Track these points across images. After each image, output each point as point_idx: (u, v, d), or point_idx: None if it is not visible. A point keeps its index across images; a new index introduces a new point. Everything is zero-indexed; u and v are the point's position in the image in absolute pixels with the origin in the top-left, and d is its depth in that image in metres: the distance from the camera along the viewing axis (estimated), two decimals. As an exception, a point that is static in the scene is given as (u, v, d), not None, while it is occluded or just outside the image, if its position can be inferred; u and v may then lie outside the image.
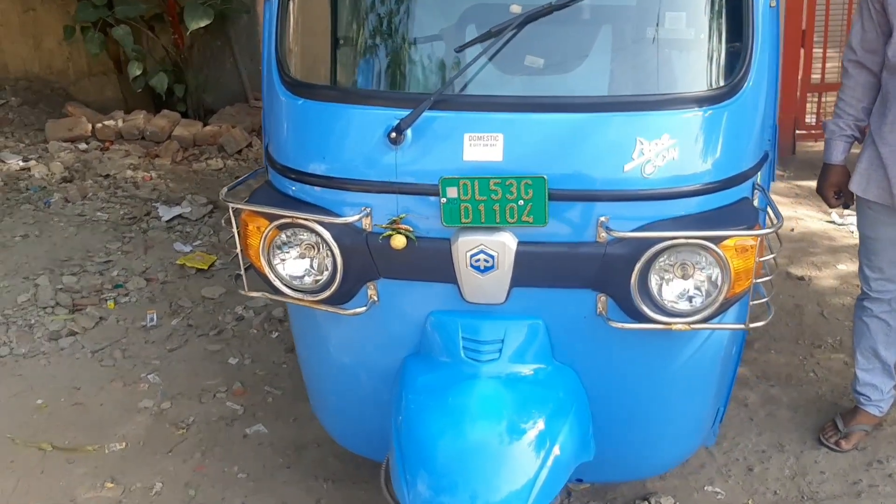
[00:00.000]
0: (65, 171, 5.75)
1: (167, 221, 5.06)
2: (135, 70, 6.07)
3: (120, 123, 6.29)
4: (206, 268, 4.49)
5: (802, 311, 3.99)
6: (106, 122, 6.28)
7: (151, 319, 4.02)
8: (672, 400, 2.28)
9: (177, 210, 5.14)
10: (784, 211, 2.78)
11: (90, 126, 6.28)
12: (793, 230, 4.84)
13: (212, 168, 6.05)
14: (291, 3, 2.22)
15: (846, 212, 2.68)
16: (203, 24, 6.01)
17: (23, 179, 5.65)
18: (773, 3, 2.13)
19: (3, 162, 5.94)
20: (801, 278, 4.30)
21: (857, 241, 2.94)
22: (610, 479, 2.62)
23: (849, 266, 4.38)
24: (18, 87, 7.35)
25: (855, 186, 2.70)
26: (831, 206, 2.88)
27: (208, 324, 4.01)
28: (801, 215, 5.13)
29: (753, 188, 2.15)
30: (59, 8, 6.96)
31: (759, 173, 2.19)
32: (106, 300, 4.17)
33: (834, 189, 2.79)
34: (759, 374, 3.52)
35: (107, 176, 5.71)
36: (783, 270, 4.39)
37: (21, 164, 5.88)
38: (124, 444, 3.18)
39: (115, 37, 6.04)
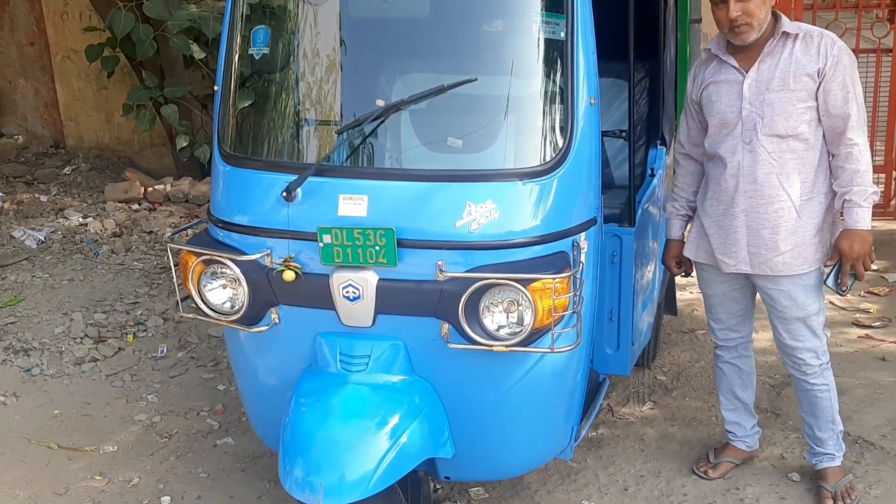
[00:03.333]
0: (116, 228, 6.60)
1: (192, 272, 5.81)
2: (181, 143, 6.92)
3: (168, 188, 7.16)
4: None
5: (725, 366, 4.46)
6: (156, 187, 7.16)
7: (162, 351, 4.73)
8: (515, 412, 2.81)
9: (203, 262, 5.90)
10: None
11: (143, 189, 7.17)
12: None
13: (244, 229, 6.82)
14: (229, 95, 2.93)
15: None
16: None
17: (79, 234, 6.52)
18: (593, 101, 2.74)
19: (66, 218, 6.84)
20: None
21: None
22: (473, 477, 3.15)
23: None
24: (90, 154, 8.36)
25: (687, 252, 3.25)
26: (674, 275, 3.43)
27: (208, 357, 4.69)
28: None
29: (573, 245, 2.71)
30: (129, 86, 7.93)
31: (583, 233, 2.76)
32: (127, 334, 4.91)
33: (674, 259, 3.35)
34: (667, 416, 4.00)
35: (150, 232, 6.54)
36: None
37: (81, 220, 6.77)
38: (116, 447, 3.85)
39: (163, 114, 6.92)
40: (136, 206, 7.09)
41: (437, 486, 3.41)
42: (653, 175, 3.90)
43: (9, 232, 6.47)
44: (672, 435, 3.82)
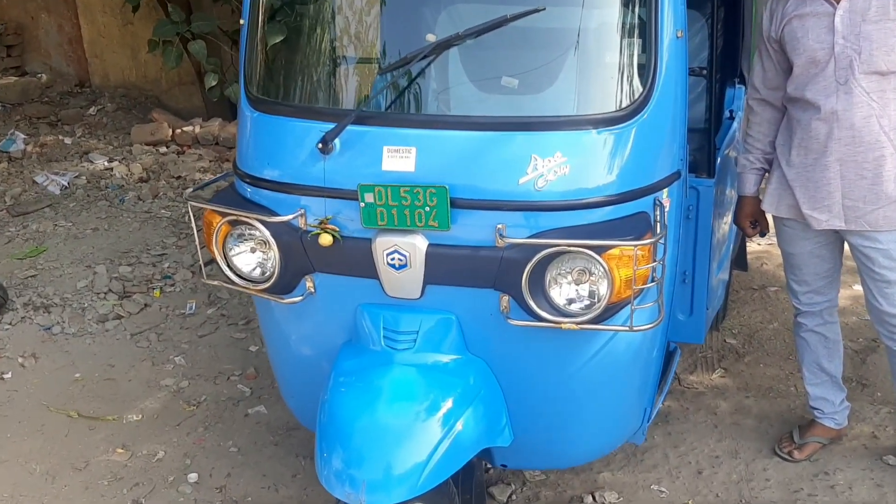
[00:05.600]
0: (143, 172, 6.29)
1: (222, 221, 5.49)
2: (210, 81, 6.51)
3: (197, 130, 6.81)
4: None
5: (801, 329, 4.06)
6: (185, 128, 6.82)
7: (190, 308, 4.43)
8: (583, 395, 2.46)
9: (233, 210, 5.58)
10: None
11: (171, 131, 6.83)
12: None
13: (277, 173, 6.48)
14: (256, 30, 2.54)
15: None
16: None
17: (104, 178, 6.21)
18: (680, 34, 2.32)
19: (90, 162, 6.53)
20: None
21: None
22: (532, 466, 2.83)
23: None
24: (116, 94, 8.02)
25: (767, 206, 2.87)
26: (749, 236, 3.06)
27: (240, 314, 4.38)
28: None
29: (654, 203, 2.32)
30: (155, 21, 7.53)
31: (665, 189, 2.37)
32: (153, 289, 4.61)
33: (749, 219, 2.98)
34: (740, 385, 3.63)
35: (178, 177, 6.21)
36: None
37: (106, 164, 6.46)
38: (140, 416, 3.57)
39: (191, 51, 6.52)
40: (163, 149, 6.76)
41: (489, 467, 3.08)
42: (731, 117, 3.48)
43: (31, 177, 6.18)
44: (748, 408, 3.46)
